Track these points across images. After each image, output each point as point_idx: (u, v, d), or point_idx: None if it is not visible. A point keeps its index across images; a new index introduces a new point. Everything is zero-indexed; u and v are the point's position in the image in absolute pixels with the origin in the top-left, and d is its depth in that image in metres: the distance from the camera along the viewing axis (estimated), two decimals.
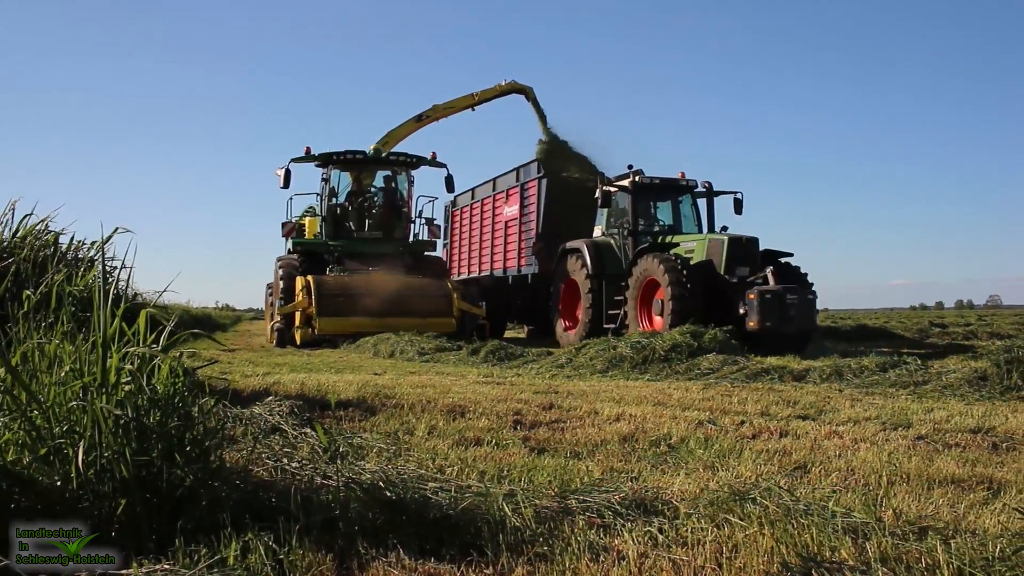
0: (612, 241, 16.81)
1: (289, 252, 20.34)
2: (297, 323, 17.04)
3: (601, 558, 2.42)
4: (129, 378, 2.57)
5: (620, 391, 7.04)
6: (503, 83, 22.87)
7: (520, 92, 23.14)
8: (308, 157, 19.94)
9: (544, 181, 19.73)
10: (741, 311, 13.29)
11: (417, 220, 21.01)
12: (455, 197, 24.30)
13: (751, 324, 13.07)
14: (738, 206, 16.88)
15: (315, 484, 2.95)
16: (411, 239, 20.83)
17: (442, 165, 20.75)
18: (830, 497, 3.02)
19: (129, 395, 2.54)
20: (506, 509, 2.73)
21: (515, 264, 20.97)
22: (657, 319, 14.51)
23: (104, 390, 2.52)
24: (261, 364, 10.78)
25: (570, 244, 17.27)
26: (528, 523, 2.66)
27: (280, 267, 18.98)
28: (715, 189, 17.16)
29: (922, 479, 3.55)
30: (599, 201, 16.61)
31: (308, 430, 3.92)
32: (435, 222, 21.65)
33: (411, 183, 20.98)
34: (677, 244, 15.41)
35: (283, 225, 20.52)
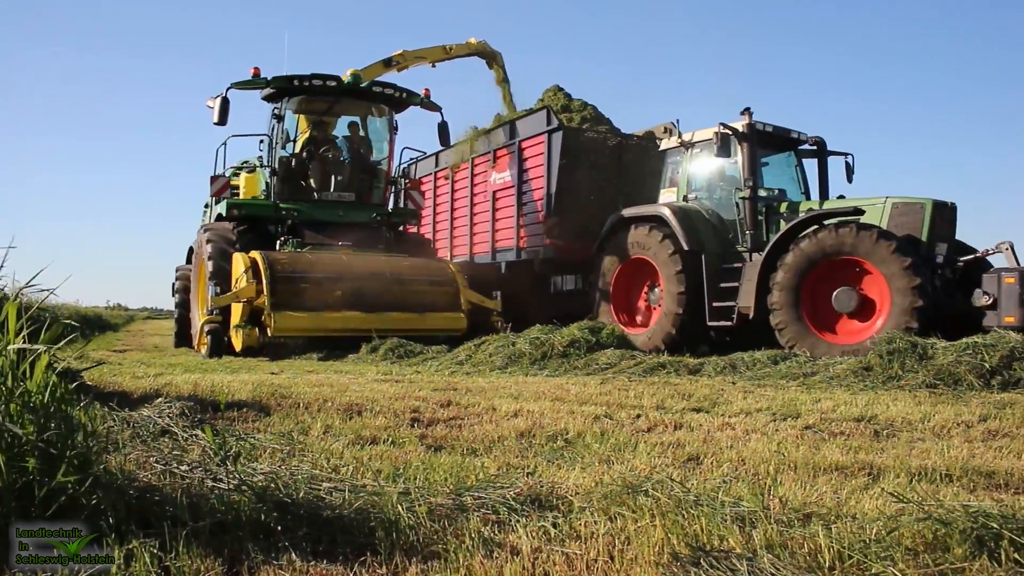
0: (700, 208, 12.74)
1: (220, 218, 14.84)
2: (236, 320, 11.96)
3: (495, 554, 2.42)
4: None
5: (519, 387, 7.08)
6: (474, 41, 18.64)
7: (487, 56, 18.93)
8: (256, 82, 14.47)
9: (559, 136, 14.59)
10: (982, 302, 9.83)
11: (399, 181, 15.97)
12: (408, 165, 18.58)
13: (1008, 319, 9.54)
14: (849, 172, 13.11)
15: (205, 487, 2.87)
16: (391, 207, 15.79)
17: (436, 108, 15.71)
18: (720, 487, 3.10)
19: None
20: (400, 508, 2.71)
21: (511, 245, 15.95)
22: (855, 324, 10.31)
23: None
24: (153, 365, 10.48)
25: (637, 211, 13.06)
26: (422, 521, 2.64)
27: (208, 240, 13.60)
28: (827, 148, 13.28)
29: (808, 467, 3.66)
30: (715, 150, 11.90)
31: (199, 432, 3.82)
32: (420, 185, 16.99)
33: (394, 130, 15.68)
34: (860, 210, 10.97)
35: (212, 180, 15.03)
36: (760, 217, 11.97)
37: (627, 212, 13.25)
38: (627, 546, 2.44)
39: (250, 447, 3.83)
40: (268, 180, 14.78)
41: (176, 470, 3.07)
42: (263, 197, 14.77)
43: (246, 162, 16.26)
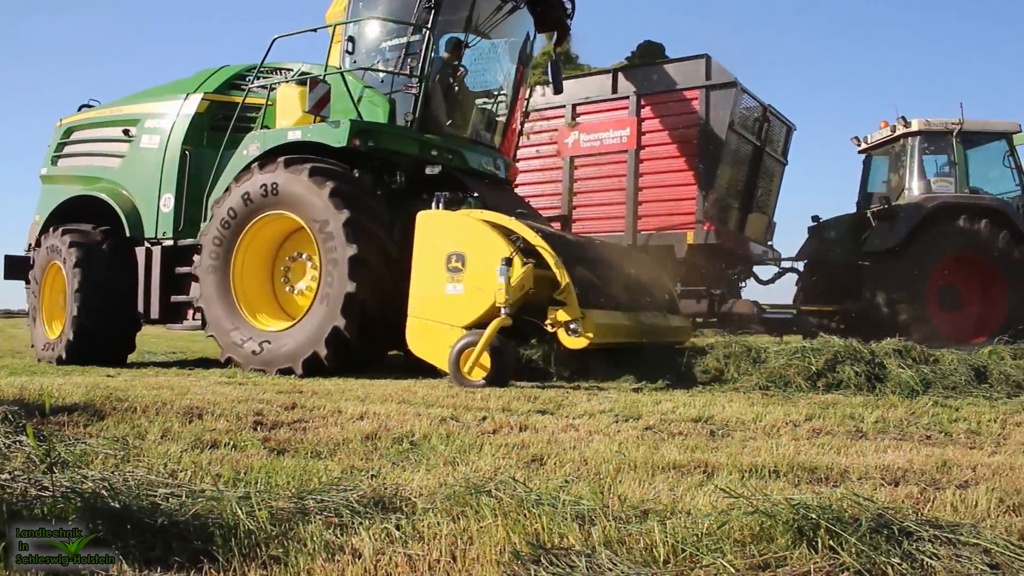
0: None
1: (299, 148, 9.45)
2: (466, 322, 7.70)
3: (337, 557, 2.40)
4: None
5: (365, 389, 7.02)
6: None
7: None
8: None
9: (729, 94, 12.00)
10: None
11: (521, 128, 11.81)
12: None
13: None
14: None
15: (29, 496, 2.73)
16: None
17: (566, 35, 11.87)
18: (562, 487, 3.16)
19: None
20: (240, 512, 2.65)
21: (618, 227, 12.79)
22: None
23: None
24: None
25: (966, 200, 12.04)
26: (263, 526, 2.59)
27: (322, 181, 8.74)
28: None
29: (647, 466, 3.77)
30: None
31: (24, 438, 3.63)
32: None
33: (526, 60, 11.30)
34: None
35: (311, 85, 9.28)
36: None
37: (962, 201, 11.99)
38: (469, 546, 2.47)
39: (80, 453, 3.67)
40: (411, 100, 9.75)
41: None
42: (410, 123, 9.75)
43: (251, 68, 11.19)
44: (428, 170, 9.49)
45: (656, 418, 5.39)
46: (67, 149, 12.73)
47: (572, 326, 7.50)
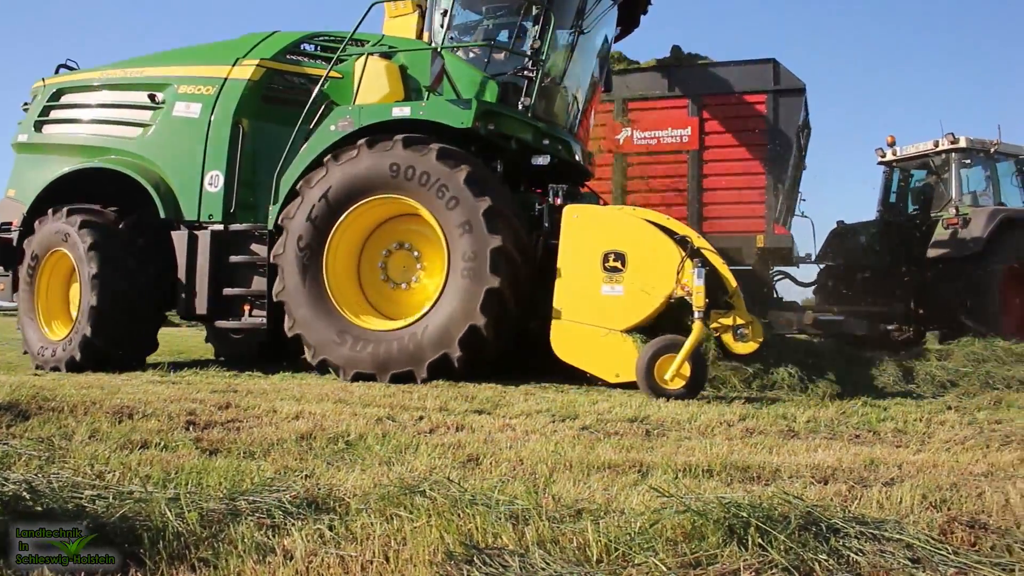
0: None
1: (409, 127, 8.43)
2: (624, 324, 7.30)
3: (268, 559, 2.38)
4: None
5: (302, 389, 6.95)
6: None
7: None
8: None
9: (798, 102, 12.01)
10: None
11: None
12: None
13: None
14: None
15: None
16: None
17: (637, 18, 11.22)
18: (496, 487, 3.17)
19: None
20: (169, 514, 2.61)
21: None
22: None
23: None
24: None
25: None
26: (193, 527, 2.56)
27: (447, 162, 7.93)
28: None
29: (583, 465, 3.79)
30: None
31: None
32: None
33: (604, 54, 10.69)
34: None
35: (435, 55, 8.55)
36: None
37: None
38: (403, 546, 2.46)
39: (2, 455, 3.58)
40: (520, 84, 8.96)
41: None
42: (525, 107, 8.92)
43: (313, 36, 10.31)
44: (535, 160, 8.80)
45: (593, 418, 5.42)
46: (55, 114, 10.92)
47: (741, 331, 7.18)
